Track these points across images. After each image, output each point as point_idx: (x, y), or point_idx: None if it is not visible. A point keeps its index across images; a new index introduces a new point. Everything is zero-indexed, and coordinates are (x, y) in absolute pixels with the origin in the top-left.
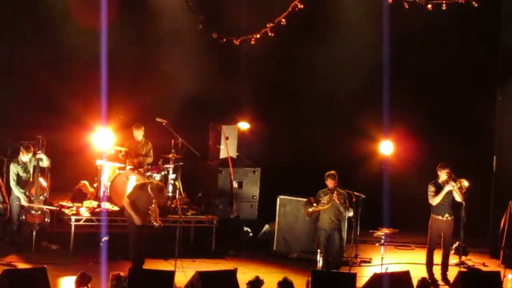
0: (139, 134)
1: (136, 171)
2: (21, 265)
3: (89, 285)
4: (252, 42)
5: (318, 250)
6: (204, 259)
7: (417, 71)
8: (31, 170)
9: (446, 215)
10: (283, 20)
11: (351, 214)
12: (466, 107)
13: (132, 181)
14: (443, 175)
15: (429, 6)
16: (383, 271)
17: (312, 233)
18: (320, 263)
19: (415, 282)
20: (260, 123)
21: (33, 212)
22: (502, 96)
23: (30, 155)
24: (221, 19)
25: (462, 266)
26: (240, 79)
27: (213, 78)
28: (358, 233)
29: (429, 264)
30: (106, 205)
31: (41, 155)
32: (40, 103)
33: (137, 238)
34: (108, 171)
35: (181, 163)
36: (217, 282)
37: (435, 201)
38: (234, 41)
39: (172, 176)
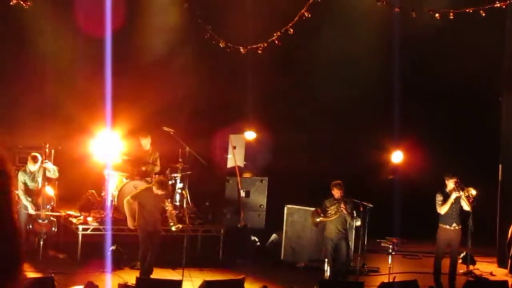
0: (147, 143)
1: (143, 180)
2: (29, 274)
3: None
4: (259, 51)
5: (326, 260)
6: (212, 268)
7: (428, 82)
8: (40, 179)
9: (454, 224)
10: (291, 29)
11: (358, 223)
12: (476, 117)
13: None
14: (450, 184)
15: (437, 15)
16: (391, 280)
17: (319, 242)
18: (327, 272)
19: None
20: (266, 133)
21: (40, 221)
22: (507, 106)
23: (38, 164)
24: (228, 28)
25: (469, 275)
26: (245, 87)
27: (218, 86)
28: (365, 242)
29: (437, 273)
30: (114, 214)
31: (48, 164)
32: (46, 112)
33: (148, 245)
34: (115, 180)
35: (188, 172)
36: None
37: (443, 209)
38: (241, 49)
39: (179, 185)
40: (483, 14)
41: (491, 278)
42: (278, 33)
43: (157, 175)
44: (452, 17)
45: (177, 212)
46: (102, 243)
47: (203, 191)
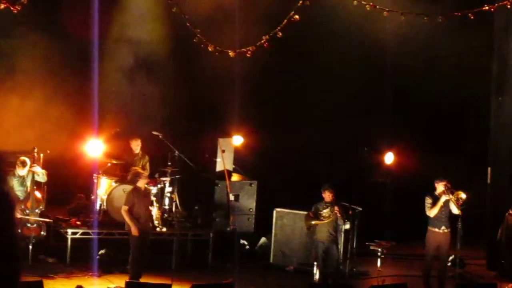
0: (137, 146)
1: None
2: None
3: None
4: (248, 55)
5: (315, 263)
6: (201, 272)
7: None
8: (28, 183)
9: (443, 227)
10: (279, 33)
11: (347, 226)
12: (465, 120)
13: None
14: (440, 187)
15: (425, 18)
16: (380, 283)
17: (309, 245)
18: (316, 276)
19: None
20: (254, 136)
21: (29, 225)
22: (495, 109)
23: (27, 169)
24: (217, 32)
25: (459, 278)
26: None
27: (207, 90)
28: (355, 245)
29: (426, 276)
30: (103, 218)
31: (36, 168)
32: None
33: (138, 247)
34: (104, 184)
35: (177, 176)
36: None
37: (432, 212)
38: (230, 53)
39: (168, 189)
40: (472, 17)
41: (481, 281)
42: (267, 37)
43: None
44: (440, 21)
45: (166, 216)
46: (91, 247)
47: (192, 195)
